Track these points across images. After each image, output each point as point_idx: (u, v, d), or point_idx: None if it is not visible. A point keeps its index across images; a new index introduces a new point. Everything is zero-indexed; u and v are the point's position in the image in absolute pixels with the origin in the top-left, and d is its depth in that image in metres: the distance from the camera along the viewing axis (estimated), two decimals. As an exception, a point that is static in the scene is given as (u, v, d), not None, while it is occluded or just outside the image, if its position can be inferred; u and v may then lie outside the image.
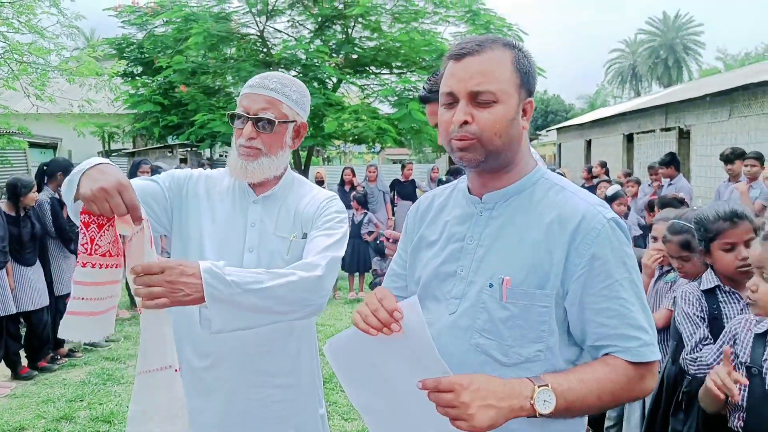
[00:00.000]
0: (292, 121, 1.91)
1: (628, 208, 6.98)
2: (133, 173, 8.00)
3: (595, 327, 1.35)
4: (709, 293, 2.53)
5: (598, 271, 1.34)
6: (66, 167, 6.27)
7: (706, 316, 2.53)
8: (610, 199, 6.31)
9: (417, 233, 1.63)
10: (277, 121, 1.86)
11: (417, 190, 10.79)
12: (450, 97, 1.41)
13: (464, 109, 1.37)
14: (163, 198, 1.93)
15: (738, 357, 2.08)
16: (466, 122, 1.37)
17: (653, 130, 18.79)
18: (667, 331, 3.03)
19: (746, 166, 6.56)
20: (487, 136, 1.37)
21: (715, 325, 2.49)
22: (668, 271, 3.15)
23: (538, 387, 1.23)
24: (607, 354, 1.35)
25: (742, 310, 2.42)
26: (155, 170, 8.78)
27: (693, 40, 56.48)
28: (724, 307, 2.49)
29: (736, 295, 2.46)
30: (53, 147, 19.38)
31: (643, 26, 59.22)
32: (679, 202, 4.73)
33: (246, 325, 1.64)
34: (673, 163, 8.24)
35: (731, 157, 6.93)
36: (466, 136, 1.38)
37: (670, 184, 8.14)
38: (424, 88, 2.47)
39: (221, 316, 1.57)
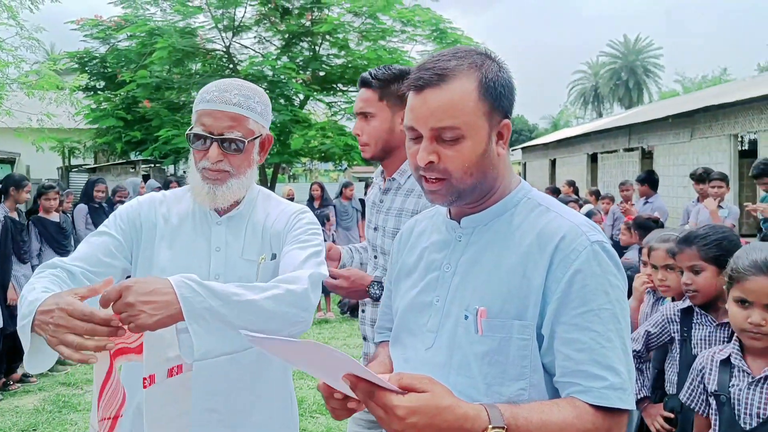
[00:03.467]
0: (258, 136, 1.75)
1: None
2: (88, 192, 7.75)
3: (561, 360, 1.20)
4: (686, 313, 2.55)
5: (573, 297, 1.19)
6: (19, 182, 6.17)
7: (674, 337, 2.56)
8: (582, 220, 6.29)
9: (399, 262, 1.52)
10: (246, 141, 1.69)
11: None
12: (413, 131, 1.28)
13: (428, 147, 1.25)
14: (119, 246, 1.75)
15: (706, 390, 2.06)
16: (432, 162, 1.26)
17: (617, 150, 19.12)
18: None
19: (713, 187, 6.61)
20: (457, 175, 1.26)
21: (684, 347, 2.51)
22: (665, 297, 3.09)
23: (492, 428, 1.08)
24: (569, 393, 1.19)
25: (710, 333, 2.44)
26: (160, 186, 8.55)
27: (653, 62, 58.06)
28: (694, 329, 2.49)
29: (709, 317, 2.47)
30: (11, 162, 18.84)
31: (605, 48, 60.72)
32: (654, 223, 4.72)
33: (231, 348, 1.52)
34: (647, 181, 8.16)
35: (703, 176, 6.97)
36: (434, 177, 1.27)
37: (646, 203, 8.09)
38: (371, 73, 2.24)
39: (204, 335, 1.39)
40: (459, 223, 1.37)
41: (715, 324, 2.43)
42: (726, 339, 2.37)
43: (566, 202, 8.22)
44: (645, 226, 4.39)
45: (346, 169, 25.88)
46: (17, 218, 6.18)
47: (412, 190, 2.26)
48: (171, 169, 20.88)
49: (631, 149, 18.11)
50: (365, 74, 2.23)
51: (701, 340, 2.45)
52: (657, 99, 46.46)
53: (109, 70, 14.48)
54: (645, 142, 17.15)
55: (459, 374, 1.27)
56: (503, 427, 1.09)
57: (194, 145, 1.70)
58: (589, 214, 6.40)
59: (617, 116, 27.31)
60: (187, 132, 1.71)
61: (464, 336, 1.28)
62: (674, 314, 2.57)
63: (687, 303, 2.55)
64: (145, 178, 15.90)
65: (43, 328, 1.37)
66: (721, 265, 2.34)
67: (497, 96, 1.27)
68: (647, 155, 17.21)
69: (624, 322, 1.23)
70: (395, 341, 1.46)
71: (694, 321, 2.49)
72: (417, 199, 2.23)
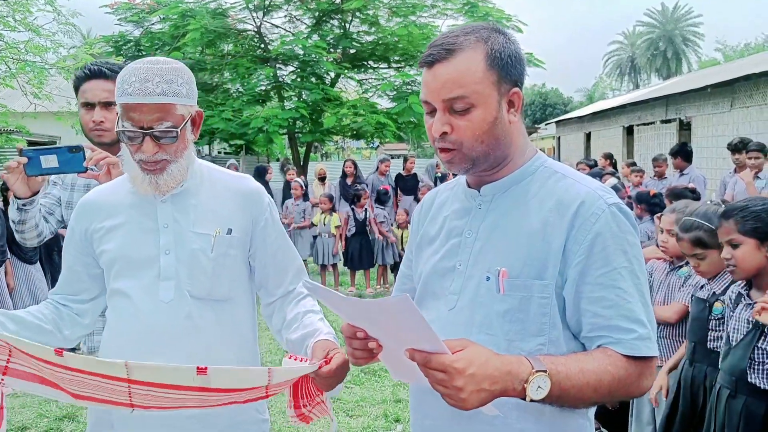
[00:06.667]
0: (189, 117, 1.70)
1: (630, 200, 6.92)
2: None
3: (590, 317, 1.30)
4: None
5: (595, 259, 1.29)
6: None
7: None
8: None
9: (420, 232, 1.60)
10: (178, 131, 1.65)
11: (420, 185, 10.67)
12: (428, 105, 1.37)
13: (441, 119, 1.34)
14: (82, 263, 1.82)
15: None
16: (445, 132, 1.34)
17: (653, 122, 18.74)
18: (681, 328, 2.99)
19: (750, 158, 6.48)
20: (469, 143, 1.34)
21: (729, 323, 2.47)
22: (681, 266, 3.10)
23: (535, 372, 1.17)
24: (600, 346, 1.29)
25: (741, 310, 2.37)
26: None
27: (692, 31, 56.38)
28: (729, 311, 2.46)
29: (745, 295, 2.40)
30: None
31: (642, 18, 59.15)
32: (690, 192, 4.68)
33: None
34: (680, 153, 8.08)
35: (739, 146, 6.84)
36: (448, 146, 1.36)
37: (682, 175, 7.99)
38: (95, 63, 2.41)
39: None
40: (478, 191, 1.45)
41: (745, 303, 2.37)
42: (747, 320, 2.32)
43: (600, 176, 8.15)
44: (682, 196, 4.36)
45: (378, 146, 25.86)
46: None
47: None
48: (206, 149, 21.18)
49: (669, 121, 17.73)
50: (102, 68, 2.38)
51: (732, 317, 2.43)
52: (696, 69, 45.20)
53: (144, 52, 14.68)
54: (683, 113, 16.77)
55: (481, 332, 1.35)
56: (545, 371, 1.18)
57: (126, 141, 1.67)
58: (615, 189, 6.36)
59: (654, 87, 26.72)
60: (116, 130, 1.68)
61: (486, 296, 1.36)
62: (732, 291, 2.52)
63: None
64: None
65: None
66: (762, 237, 2.30)
67: (504, 66, 1.34)
68: (685, 126, 16.83)
69: (642, 277, 1.33)
70: (419, 305, 1.53)
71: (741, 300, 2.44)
72: None
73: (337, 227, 8.79)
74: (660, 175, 8.56)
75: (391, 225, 9.06)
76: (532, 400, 1.18)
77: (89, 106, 2.39)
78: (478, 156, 1.36)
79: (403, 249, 8.61)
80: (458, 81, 1.32)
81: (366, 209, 8.76)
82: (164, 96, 1.62)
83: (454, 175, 1.55)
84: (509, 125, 1.37)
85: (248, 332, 1.85)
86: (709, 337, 2.63)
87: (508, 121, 1.37)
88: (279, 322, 1.85)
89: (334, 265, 8.99)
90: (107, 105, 2.36)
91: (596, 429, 3.36)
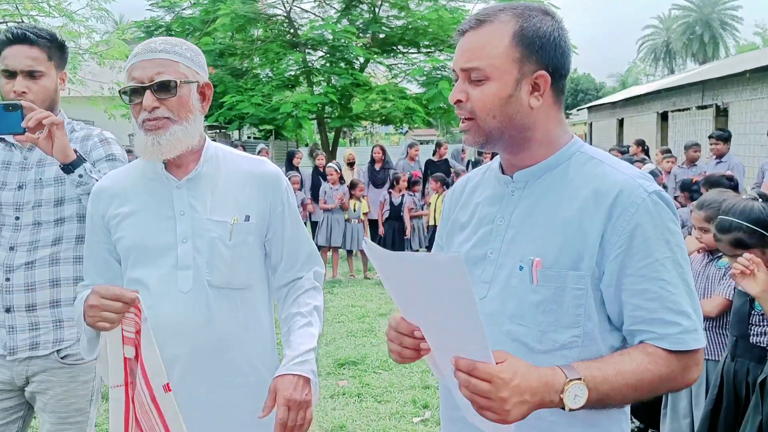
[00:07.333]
0: (194, 82, 1.69)
1: (665, 187, 6.79)
2: None
3: (631, 310, 1.25)
4: None
5: (636, 250, 1.24)
6: None
7: None
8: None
9: (450, 218, 1.56)
10: (178, 81, 1.63)
11: (451, 170, 10.59)
12: (454, 72, 1.37)
13: (460, 86, 1.34)
14: (107, 250, 1.78)
15: None
16: (460, 100, 1.34)
17: (689, 108, 18.36)
18: (722, 320, 2.91)
19: (789, 145, 6.29)
20: (481, 115, 1.32)
21: None
22: (719, 256, 3.01)
23: (570, 381, 1.14)
24: (642, 341, 1.24)
25: None
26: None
27: (730, 14, 54.90)
28: None
29: None
30: (85, 130, 19.59)
31: (678, 1, 57.75)
32: (728, 180, 4.55)
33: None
34: (730, 139, 7.92)
35: (780, 133, 6.65)
36: (465, 115, 1.35)
37: (720, 162, 7.73)
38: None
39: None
40: (511, 177, 1.41)
41: None
42: None
43: (631, 163, 7.98)
44: (718, 184, 4.24)
45: (407, 131, 25.75)
46: None
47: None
48: (236, 134, 21.34)
49: (705, 107, 17.35)
50: (27, 32, 2.12)
51: None
52: (734, 53, 44.06)
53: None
54: (720, 98, 16.38)
55: (513, 322, 1.32)
56: (580, 378, 1.15)
57: (130, 102, 1.65)
58: (653, 174, 6.22)
59: (689, 72, 26.14)
60: (119, 90, 1.68)
61: (519, 286, 1.32)
62: None
63: None
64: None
65: (86, 313, 1.60)
66: None
67: (531, 45, 1.31)
68: (722, 113, 16.44)
69: (686, 265, 1.28)
70: None
71: None
72: (79, 145, 2.21)
73: (365, 213, 8.81)
74: (691, 161, 8.31)
75: (421, 208, 9.02)
76: (571, 410, 1.15)
77: (10, 74, 2.13)
78: (491, 131, 1.33)
79: (428, 228, 8.58)
80: (478, 52, 1.31)
81: (403, 194, 8.75)
82: (165, 53, 1.65)
83: (492, 155, 1.52)
84: (528, 108, 1.32)
85: (265, 319, 1.83)
86: (751, 332, 2.56)
87: (527, 103, 1.32)
88: (280, 313, 1.86)
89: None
90: (31, 74, 2.13)
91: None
